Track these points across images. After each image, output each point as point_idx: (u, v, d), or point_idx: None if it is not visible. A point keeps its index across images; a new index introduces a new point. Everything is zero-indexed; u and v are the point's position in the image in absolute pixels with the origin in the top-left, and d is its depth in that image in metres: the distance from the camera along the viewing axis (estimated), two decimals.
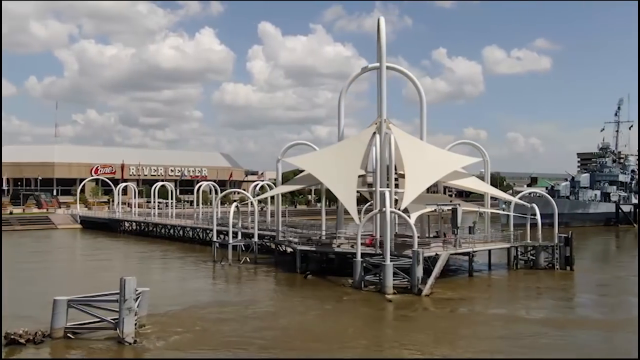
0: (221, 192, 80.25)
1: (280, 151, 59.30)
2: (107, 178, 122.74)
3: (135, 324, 29.34)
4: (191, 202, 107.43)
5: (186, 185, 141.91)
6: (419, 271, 40.81)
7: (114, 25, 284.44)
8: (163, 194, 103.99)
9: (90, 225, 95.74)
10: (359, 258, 42.99)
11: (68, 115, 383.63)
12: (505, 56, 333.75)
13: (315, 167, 52.71)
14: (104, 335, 28.88)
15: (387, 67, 50.98)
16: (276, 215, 58.65)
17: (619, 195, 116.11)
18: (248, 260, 55.76)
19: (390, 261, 41.19)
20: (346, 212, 50.14)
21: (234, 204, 62.10)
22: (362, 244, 45.12)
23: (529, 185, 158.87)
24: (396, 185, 51.75)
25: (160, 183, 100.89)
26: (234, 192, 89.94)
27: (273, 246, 59.24)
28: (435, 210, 50.06)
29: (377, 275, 41.90)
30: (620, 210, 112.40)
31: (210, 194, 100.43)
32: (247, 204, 71.84)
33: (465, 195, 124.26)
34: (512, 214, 54.46)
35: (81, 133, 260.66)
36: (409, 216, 45.45)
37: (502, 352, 28.96)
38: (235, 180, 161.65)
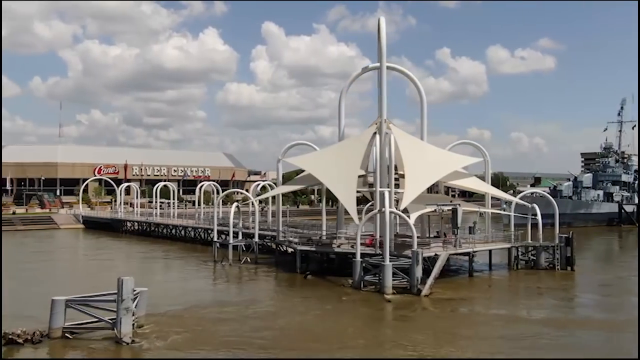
0: (224, 192, 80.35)
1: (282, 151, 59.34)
2: (110, 178, 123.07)
3: (134, 324, 29.40)
4: (193, 202, 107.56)
5: (189, 185, 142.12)
6: (418, 271, 40.77)
7: (117, 26, 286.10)
8: (165, 194, 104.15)
9: (93, 225, 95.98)
10: (358, 258, 42.99)
11: (72, 116, 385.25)
12: (509, 56, 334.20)
13: (315, 167, 52.71)
14: (102, 335, 28.96)
15: (388, 67, 50.97)
16: (277, 215, 58.71)
17: (622, 196, 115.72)
18: (249, 260, 55.81)
19: (390, 261, 41.17)
20: (346, 212, 50.12)
21: (235, 204, 62.15)
22: (362, 244, 45.14)
23: (532, 185, 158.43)
24: (397, 186, 51.70)
25: (162, 183, 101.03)
26: (236, 192, 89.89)
27: (274, 246, 59.26)
28: (435, 210, 49.95)
29: (377, 275, 41.88)
30: (623, 211, 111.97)
31: (213, 194, 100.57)
32: (248, 204, 71.91)
33: (468, 195, 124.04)
34: (512, 214, 54.35)
35: (85, 133, 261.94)
36: (408, 216, 45.41)
37: (503, 352, 28.94)
38: (237, 180, 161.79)
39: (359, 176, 52.85)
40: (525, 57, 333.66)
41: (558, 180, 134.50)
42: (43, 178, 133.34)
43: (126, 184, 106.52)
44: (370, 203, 59.22)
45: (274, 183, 77.22)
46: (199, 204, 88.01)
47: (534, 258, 52.56)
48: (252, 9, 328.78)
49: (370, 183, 55.73)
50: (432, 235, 55.17)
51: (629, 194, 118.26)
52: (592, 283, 49.09)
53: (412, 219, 45.44)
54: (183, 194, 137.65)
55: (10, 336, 27.62)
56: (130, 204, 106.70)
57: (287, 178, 68.76)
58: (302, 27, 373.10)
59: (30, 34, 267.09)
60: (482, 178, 60.38)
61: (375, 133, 49.89)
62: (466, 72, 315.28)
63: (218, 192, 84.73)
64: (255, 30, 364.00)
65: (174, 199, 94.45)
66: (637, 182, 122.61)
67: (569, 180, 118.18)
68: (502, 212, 65.41)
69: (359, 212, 55.31)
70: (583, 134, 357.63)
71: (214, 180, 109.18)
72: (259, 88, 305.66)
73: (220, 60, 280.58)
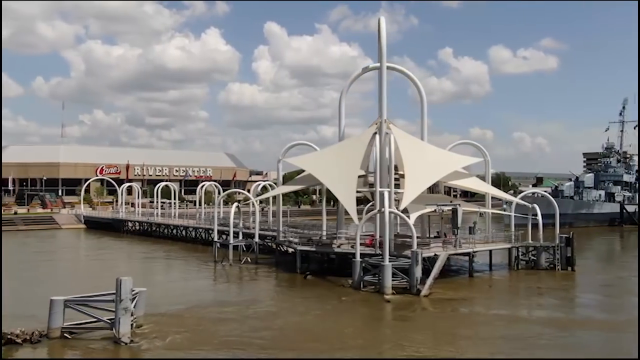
0: (224, 193, 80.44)
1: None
2: (112, 178, 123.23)
3: (132, 324, 29.44)
4: (195, 202, 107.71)
5: (191, 185, 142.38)
6: (418, 272, 40.72)
7: (120, 26, 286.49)
8: (166, 194, 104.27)
9: (94, 225, 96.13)
10: (358, 258, 42.97)
11: (75, 116, 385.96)
12: (512, 56, 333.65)
13: (315, 168, 52.72)
14: (101, 335, 28.98)
15: (388, 68, 50.99)
16: (277, 215, 58.76)
17: (624, 196, 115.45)
18: (249, 260, 55.85)
19: (389, 261, 41.15)
20: (347, 213, 50.13)
21: (235, 204, 62.22)
22: (362, 244, 45.14)
23: (534, 186, 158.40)
24: (397, 186, 51.67)
25: (164, 183, 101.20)
26: (237, 193, 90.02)
27: (274, 246, 59.30)
28: (435, 210, 49.92)
29: (376, 275, 41.86)
30: (624, 211, 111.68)
31: (214, 194, 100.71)
32: (249, 204, 71.99)
33: (470, 195, 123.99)
34: (512, 214, 54.29)
35: (88, 133, 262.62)
36: (408, 216, 45.39)
37: (503, 352, 28.93)
38: (239, 180, 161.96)
39: (360, 176, 52.85)
40: (528, 57, 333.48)
41: (560, 181, 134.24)
42: (45, 178, 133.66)
43: (127, 184, 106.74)
44: (371, 203, 59.19)
45: (274, 183, 77.29)
46: (200, 204, 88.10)
47: (535, 258, 52.48)
48: (254, 9, 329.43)
49: (371, 183, 55.71)
50: (432, 236, 55.11)
51: (630, 194, 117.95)
52: (592, 283, 49.01)
53: (412, 219, 45.41)
54: (185, 194, 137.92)
55: (9, 336, 27.65)
56: (132, 204, 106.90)
57: (289, 178, 68.78)
58: (304, 27, 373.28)
59: (33, 34, 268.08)
60: (484, 178, 60.33)
61: (375, 133, 49.90)
62: (469, 72, 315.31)
63: (219, 192, 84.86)
64: (258, 30, 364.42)
65: (175, 199, 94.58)
66: (638, 182, 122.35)
67: (570, 180, 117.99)
68: (502, 212, 65.29)
69: (360, 212, 55.31)
70: (586, 134, 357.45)
71: (215, 181, 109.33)
72: (261, 88, 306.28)
73: (223, 61, 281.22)
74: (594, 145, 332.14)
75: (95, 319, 29.30)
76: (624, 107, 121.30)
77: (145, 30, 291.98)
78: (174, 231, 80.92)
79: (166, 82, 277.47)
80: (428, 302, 38.96)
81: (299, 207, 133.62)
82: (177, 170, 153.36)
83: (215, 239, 59.28)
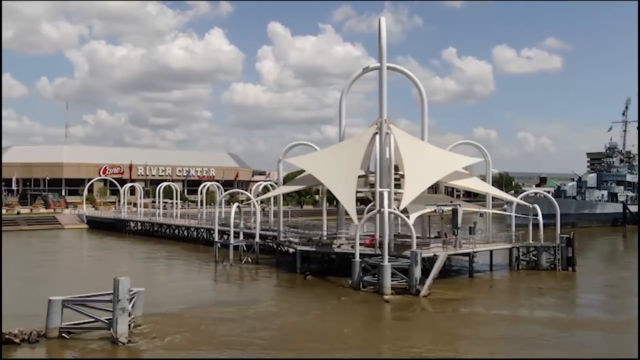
0: (226, 192, 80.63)
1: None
2: (115, 178, 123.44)
3: (130, 324, 29.49)
4: (197, 203, 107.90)
5: (193, 185, 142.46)
6: (417, 272, 40.66)
7: (123, 26, 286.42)
8: (169, 194, 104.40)
9: (97, 225, 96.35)
10: (357, 259, 42.97)
11: (79, 116, 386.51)
12: (516, 55, 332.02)
13: (315, 168, 52.74)
14: (98, 335, 29.02)
15: (388, 68, 51.00)
16: (278, 215, 58.78)
17: (627, 196, 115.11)
18: (249, 260, 55.89)
19: (389, 262, 41.13)
20: (347, 213, 50.13)
21: (235, 204, 62.29)
22: (362, 244, 45.12)
23: (537, 186, 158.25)
24: (397, 186, 51.64)
25: (166, 183, 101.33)
26: (239, 193, 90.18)
27: (275, 246, 59.34)
28: (435, 210, 49.88)
29: (376, 275, 41.85)
30: (627, 211, 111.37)
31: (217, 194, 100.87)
32: (250, 204, 72.02)
33: (473, 195, 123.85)
34: (513, 214, 54.20)
35: (91, 133, 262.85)
36: (408, 217, 45.35)
37: (503, 352, 28.87)
38: (242, 180, 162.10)
39: (360, 176, 52.86)
40: (532, 57, 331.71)
41: (564, 181, 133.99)
42: (48, 178, 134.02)
43: (130, 184, 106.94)
44: (372, 203, 59.16)
45: (275, 183, 77.34)
46: (202, 204, 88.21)
47: (535, 258, 52.39)
48: (257, 9, 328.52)
49: (371, 183, 55.71)
50: (432, 236, 55.05)
51: (633, 194, 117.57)
52: (593, 283, 48.89)
53: (411, 219, 45.38)
54: (188, 194, 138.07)
55: (7, 336, 27.72)
56: (134, 204, 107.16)
57: (292, 178, 68.76)
58: (308, 27, 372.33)
59: (38, 34, 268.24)
60: (485, 178, 60.23)
61: (375, 133, 49.90)
62: (472, 72, 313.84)
63: (221, 193, 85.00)
64: (261, 31, 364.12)
65: (177, 199, 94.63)
66: None
67: (573, 180, 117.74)
68: (502, 212, 65.19)
69: (361, 212, 55.27)
70: (590, 134, 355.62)
71: (217, 181, 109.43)
72: (265, 88, 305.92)
73: (226, 61, 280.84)
74: (598, 145, 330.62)
75: (93, 319, 29.34)
76: (627, 107, 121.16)
77: (149, 30, 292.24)
78: (176, 231, 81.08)
79: (170, 82, 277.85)
80: (427, 303, 38.94)
81: (302, 207, 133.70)
82: (179, 171, 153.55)
83: (216, 239, 59.36)
